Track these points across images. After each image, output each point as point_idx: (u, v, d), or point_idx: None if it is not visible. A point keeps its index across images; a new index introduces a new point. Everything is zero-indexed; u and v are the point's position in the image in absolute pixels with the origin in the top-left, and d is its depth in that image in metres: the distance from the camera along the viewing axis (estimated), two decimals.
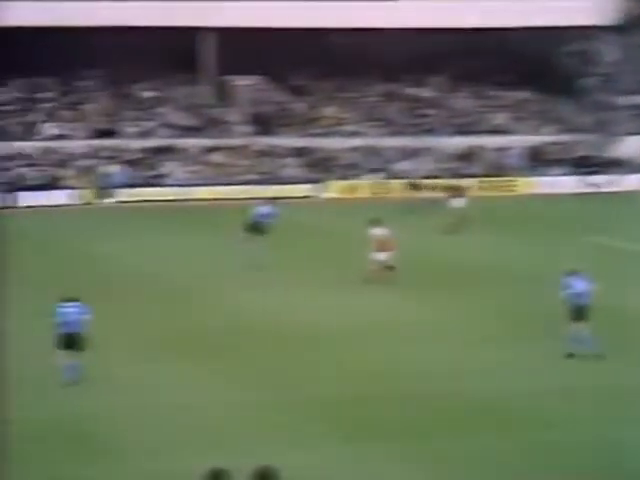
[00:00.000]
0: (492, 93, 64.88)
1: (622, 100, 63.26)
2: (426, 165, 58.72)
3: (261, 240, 33.03)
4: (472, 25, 60.53)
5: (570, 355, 22.68)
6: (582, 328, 22.72)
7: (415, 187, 50.75)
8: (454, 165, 59.26)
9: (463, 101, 64.38)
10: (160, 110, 59.89)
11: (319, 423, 18.91)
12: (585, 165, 59.22)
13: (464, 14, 60.28)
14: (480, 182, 57.27)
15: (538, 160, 60.10)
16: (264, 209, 34.34)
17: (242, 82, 62.09)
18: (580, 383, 21.36)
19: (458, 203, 41.81)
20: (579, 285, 23.00)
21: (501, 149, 60.71)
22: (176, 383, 21.54)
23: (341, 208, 49.73)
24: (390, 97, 63.83)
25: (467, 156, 60.21)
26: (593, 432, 18.48)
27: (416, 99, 64.04)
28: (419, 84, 64.69)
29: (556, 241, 39.08)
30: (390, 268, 30.78)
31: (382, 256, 30.81)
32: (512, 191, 56.96)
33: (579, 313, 22.79)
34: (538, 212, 48.60)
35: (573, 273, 23.29)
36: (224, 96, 61.55)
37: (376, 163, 58.42)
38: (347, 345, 24.33)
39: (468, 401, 20.13)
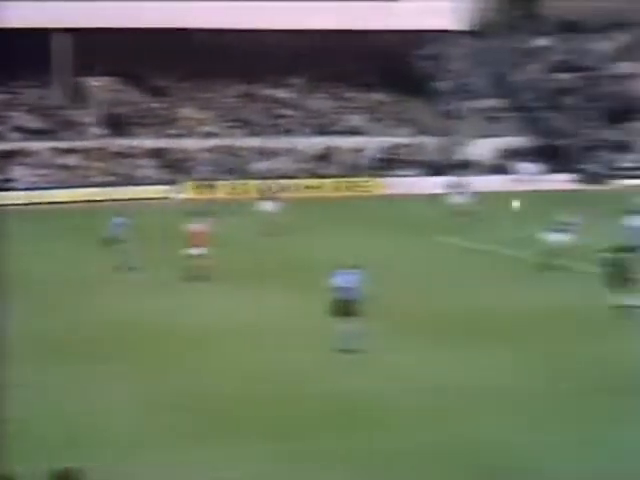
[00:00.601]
0: (348, 94, 65.60)
1: (472, 104, 64.68)
2: (284, 165, 59.07)
3: (120, 246, 33.44)
4: (329, 27, 61.17)
5: (343, 350, 21.86)
6: (350, 323, 22.07)
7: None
8: (311, 165, 59.74)
9: (320, 102, 64.93)
10: (10, 113, 58.64)
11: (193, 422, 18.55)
12: (436, 167, 60.33)
13: (322, 16, 60.85)
14: (334, 182, 57.99)
15: (391, 161, 61.02)
16: (117, 220, 34.41)
17: (96, 83, 61.36)
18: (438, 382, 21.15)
19: (269, 206, 42.01)
20: (344, 280, 22.28)
21: (357, 150, 61.44)
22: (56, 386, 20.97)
23: (197, 209, 49.46)
24: (248, 98, 63.94)
25: (324, 157, 60.77)
26: (447, 432, 17.75)
27: (274, 100, 64.32)
28: (277, 85, 64.99)
29: (406, 241, 39.61)
30: (203, 266, 30.99)
31: (194, 251, 31.23)
32: (366, 192, 57.71)
33: (341, 308, 22.18)
34: (390, 212, 49.29)
35: (345, 268, 22.60)
36: (78, 98, 60.69)
37: (233, 164, 58.46)
38: (206, 344, 24.06)
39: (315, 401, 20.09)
